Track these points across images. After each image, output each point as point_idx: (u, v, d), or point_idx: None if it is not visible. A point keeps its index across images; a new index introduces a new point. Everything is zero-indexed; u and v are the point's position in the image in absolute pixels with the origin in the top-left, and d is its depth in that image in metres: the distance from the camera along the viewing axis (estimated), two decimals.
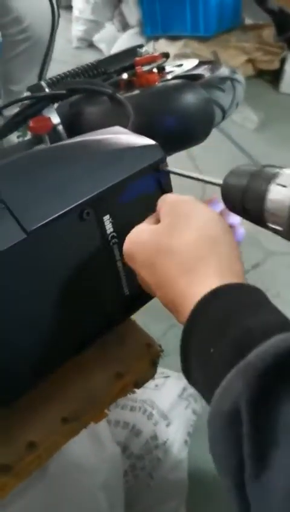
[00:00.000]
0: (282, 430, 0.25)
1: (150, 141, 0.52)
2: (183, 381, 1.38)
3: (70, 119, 0.75)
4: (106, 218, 0.49)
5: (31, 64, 1.52)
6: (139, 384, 0.65)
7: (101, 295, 0.54)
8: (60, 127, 0.74)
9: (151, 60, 0.75)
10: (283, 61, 2.89)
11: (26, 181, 0.46)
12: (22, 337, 0.48)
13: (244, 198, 0.39)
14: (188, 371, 0.35)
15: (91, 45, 3.33)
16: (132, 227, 0.53)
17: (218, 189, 0.45)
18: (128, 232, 0.52)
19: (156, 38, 2.98)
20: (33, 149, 0.50)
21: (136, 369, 0.62)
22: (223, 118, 0.76)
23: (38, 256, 0.45)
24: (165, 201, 0.44)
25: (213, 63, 0.84)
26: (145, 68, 0.73)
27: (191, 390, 1.39)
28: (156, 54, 0.77)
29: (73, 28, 3.27)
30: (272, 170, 0.39)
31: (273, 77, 2.95)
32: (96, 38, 3.23)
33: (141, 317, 0.63)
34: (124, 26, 3.13)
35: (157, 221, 0.43)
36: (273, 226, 0.38)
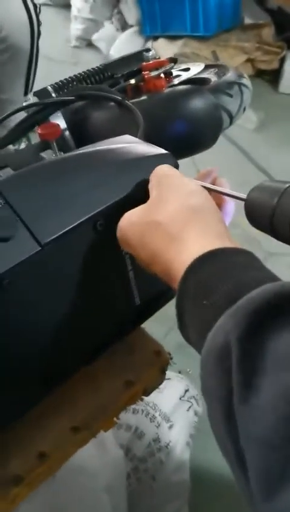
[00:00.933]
0: (270, 359, 0.26)
1: (162, 150, 0.52)
2: (184, 383, 1.38)
3: (77, 124, 0.74)
4: None
5: (17, 73, 1.53)
6: (148, 391, 0.65)
7: (113, 305, 0.54)
8: (67, 133, 0.74)
9: (158, 65, 0.75)
10: (282, 61, 2.89)
11: (39, 192, 0.45)
12: (34, 348, 0.48)
13: (274, 217, 0.39)
14: (183, 328, 0.37)
15: (90, 44, 3.32)
16: None
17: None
18: None
19: (155, 38, 2.97)
20: (45, 160, 0.49)
21: (145, 377, 0.62)
22: (231, 123, 0.75)
23: (52, 267, 0.45)
24: (154, 175, 0.46)
25: (220, 67, 0.83)
26: (153, 73, 0.72)
27: (193, 391, 1.39)
28: (164, 58, 0.76)
29: (71, 27, 3.25)
30: None
31: (273, 77, 2.95)
32: (95, 37, 3.21)
33: None
34: (123, 26, 3.12)
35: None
36: None
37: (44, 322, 0.47)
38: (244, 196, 0.43)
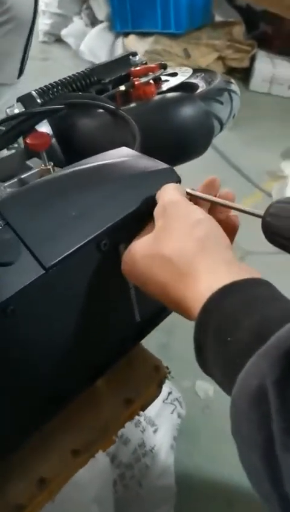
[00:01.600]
0: None
1: (164, 165, 0.50)
2: (168, 386, 1.38)
3: (64, 132, 0.72)
4: (122, 247, 0.47)
5: (16, 49, 1.45)
6: (145, 407, 0.64)
7: (115, 323, 0.52)
8: (54, 140, 0.71)
9: (148, 70, 0.73)
10: (253, 59, 2.92)
11: (41, 213, 0.43)
12: (39, 372, 0.46)
13: None
14: (203, 362, 0.36)
15: (59, 40, 3.26)
16: None
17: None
18: None
19: (126, 34, 2.94)
20: (43, 178, 0.47)
21: (145, 394, 0.61)
22: (221, 129, 0.75)
23: (56, 290, 0.43)
24: (160, 201, 0.44)
25: (207, 72, 0.82)
26: (143, 80, 0.70)
27: (176, 394, 1.39)
28: (153, 64, 0.74)
29: (39, 22, 3.18)
30: None
31: (244, 75, 2.97)
32: (64, 32, 3.16)
33: None
34: (93, 21, 3.07)
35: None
36: None
37: (48, 344, 0.45)
38: (261, 213, 0.43)
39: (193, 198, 0.47)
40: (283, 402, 0.26)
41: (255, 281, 0.36)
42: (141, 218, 0.48)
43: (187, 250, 0.39)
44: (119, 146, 0.54)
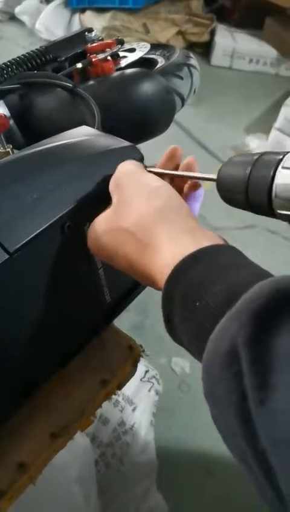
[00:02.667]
0: (281, 357, 0.26)
1: (125, 142, 0.49)
2: (144, 365, 1.39)
3: (22, 113, 0.70)
4: (86, 227, 0.47)
5: None
6: (121, 386, 0.65)
7: (84, 305, 0.52)
8: (12, 122, 0.69)
9: (104, 46, 0.71)
10: (212, 33, 2.90)
11: (1, 196, 0.42)
12: (8, 356, 0.46)
13: (249, 188, 0.38)
14: (171, 330, 0.36)
15: (13, 18, 3.14)
16: None
17: None
18: None
19: (82, 11, 2.86)
20: (0, 161, 0.45)
21: (120, 373, 0.61)
22: (183, 105, 0.74)
23: (21, 274, 0.42)
24: (113, 176, 0.44)
25: (165, 47, 0.81)
26: (100, 56, 0.69)
27: (153, 372, 1.41)
28: (110, 40, 0.72)
29: None
30: (274, 156, 0.37)
31: (205, 50, 2.95)
32: (17, 10, 3.05)
33: None
34: None
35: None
36: (285, 212, 0.37)
37: (18, 328, 0.45)
38: (214, 176, 0.42)
39: None
40: (254, 359, 0.26)
41: (219, 247, 0.35)
42: (104, 198, 0.47)
43: (147, 221, 0.38)
44: (79, 125, 0.53)
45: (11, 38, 3.07)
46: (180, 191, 0.48)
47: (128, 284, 0.58)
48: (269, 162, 0.37)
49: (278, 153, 0.37)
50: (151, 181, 0.41)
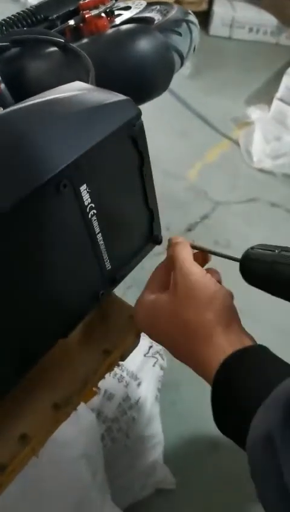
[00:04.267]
0: None
1: (121, 96, 0.46)
2: (148, 340, 1.38)
3: (13, 75, 0.66)
4: (83, 188, 0.44)
5: None
6: (124, 356, 0.63)
7: (84, 271, 0.50)
8: (2, 86, 0.66)
9: (97, 2, 0.67)
10: (211, 2, 2.81)
11: None
12: (8, 324, 0.43)
13: (272, 272, 0.45)
14: (219, 422, 0.43)
15: None
16: (109, 196, 0.48)
17: None
18: (105, 202, 0.47)
19: None
20: None
21: (122, 344, 0.59)
22: (182, 64, 0.70)
23: (14, 236, 0.40)
24: (179, 264, 0.49)
25: (162, 4, 0.77)
26: (94, 12, 0.65)
27: (157, 347, 1.40)
28: None
29: None
30: None
31: (203, 20, 2.86)
32: None
33: None
34: None
35: (162, 288, 0.51)
36: None
37: (12, 295, 0.42)
38: (238, 258, 0.50)
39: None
40: (286, 439, 0.32)
41: (257, 348, 0.44)
42: (101, 155, 0.44)
43: (207, 321, 0.45)
44: None
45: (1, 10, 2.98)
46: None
47: (129, 251, 0.55)
48: None
49: None
50: (213, 284, 0.48)
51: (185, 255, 0.50)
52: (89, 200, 0.45)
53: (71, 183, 0.42)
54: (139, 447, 1.31)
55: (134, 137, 0.47)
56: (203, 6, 2.81)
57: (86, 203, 0.45)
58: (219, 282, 0.51)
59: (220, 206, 2.01)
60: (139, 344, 1.38)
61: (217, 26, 2.82)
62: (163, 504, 1.32)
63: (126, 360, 1.42)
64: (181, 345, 0.47)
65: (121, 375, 1.28)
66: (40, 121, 0.42)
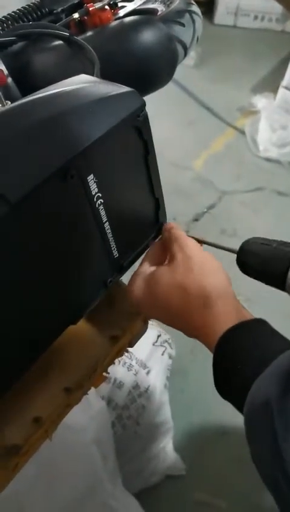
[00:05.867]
0: None
1: (125, 88, 0.48)
2: (156, 329, 1.40)
3: (20, 69, 0.67)
4: (90, 178, 0.45)
5: None
6: (133, 343, 0.65)
7: (92, 260, 0.51)
8: (10, 80, 0.67)
9: None
10: None
11: (1, 146, 0.40)
12: (16, 312, 0.45)
13: (267, 264, 0.48)
14: (219, 385, 0.45)
15: None
16: (116, 185, 0.50)
17: None
18: (112, 192, 0.49)
19: None
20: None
21: (130, 329, 0.61)
22: (185, 55, 0.71)
23: (24, 227, 0.41)
24: (176, 245, 0.52)
25: None
26: (98, 5, 0.66)
27: (166, 336, 1.42)
28: None
29: None
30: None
31: (207, 8, 2.84)
32: None
33: None
34: None
35: (159, 263, 0.54)
36: None
37: (26, 283, 0.44)
38: (236, 249, 0.52)
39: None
40: (281, 409, 0.36)
41: (257, 321, 0.46)
42: (107, 146, 0.46)
43: (207, 289, 0.48)
44: None
45: (16, 6, 2.98)
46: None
47: (136, 239, 0.57)
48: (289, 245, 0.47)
49: None
50: (209, 257, 0.51)
51: (181, 233, 0.53)
52: (96, 189, 0.47)
53: (78, 173, 0.44)
54: (150, 434, 1.33)
55: (139, 127, 0.48)
56: None
57: (93, 193, 0.47)
58: None
59: (227, 196, 2.01)
60: (147, 333, 1.40)
61: (221, 14, 2.81)
62: (173, 489, 1.35)
63: (135, 349, 1.44)
64: (180, 311, 0.49)
65: (131, 364, 1.30)
66: (47, 114, 0.43)
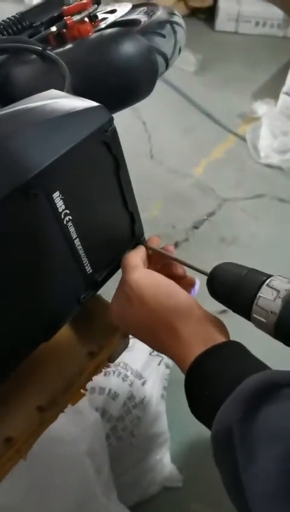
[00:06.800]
0: (261, 435, 0.35)
1: (93, 103, 0.47)
2: None
3: (0, 82, 0.67)
4: (56, 195, 0.45)
5: None
6: (113, 358, 0.63)
7: (63, 276, 0.50)
8: None
9: (80, 8, 0.68)
10: None
11: None
12: None
13: (235, 292, 0.47)
14: (192, 407, 0.45)
15: None
16: (85, 201, 0.49)
17: None
18: (81, 208, 0.48)
19: None
20: None
21: (108, 346, 0.60)
22: (167, 66, 0.70)
23: None
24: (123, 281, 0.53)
25: (149, 5, 0.77)
26: (76, 18, 0.65)
27: None
28: (86, 0, 0.69)
29: None
30: (262, 275, 0.46)
31: (208, 15, 2.84)
32: None
33: None
34: None
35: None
36: (258, 317, 0.45)
37: None
38: (207, 271, 0.51)
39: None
40: (242, 435, 0.36)
41: (225, 344, 0.46)
42: (73, 163, 0.45)
43: (164, 318, 0.48)
44: None
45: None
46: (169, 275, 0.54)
47: (110, 254, 0.56)
48: (258, 274, 0.46)
49: (264, 274, 0.47)
50: (164, 281, 0.51)
51: (127, 262, 0.53)
52: (63, 206, 0.46)
53: (42, 190, 0.43)
54: (145, 445, 1.31)
55: (107, 142, 0.48)
56: (209, 2, 2.79)
57: (60, 210, 0.46)
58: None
59: (227, 203, 2.00)
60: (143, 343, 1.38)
61: (222, 21, 2.80)
62: (170, 502, 1.33)
63: (130, 359, 1.42)
64: (153, 343, 0.51)
65: (126, 374, 1.29)
66: (8, 131, 0.43)
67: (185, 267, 0.56)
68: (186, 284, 0.56)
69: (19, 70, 0.64)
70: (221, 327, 0.49)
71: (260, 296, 0.45)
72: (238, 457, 0.35)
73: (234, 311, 0.48)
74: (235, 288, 0.47)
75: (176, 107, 2.41)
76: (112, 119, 0.47)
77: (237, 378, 0.40)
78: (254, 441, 0.35)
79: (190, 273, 0.57)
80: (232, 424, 0.37)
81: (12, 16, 0.71)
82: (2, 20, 0.70)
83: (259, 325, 0.45)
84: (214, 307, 0.52)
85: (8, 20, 0.70)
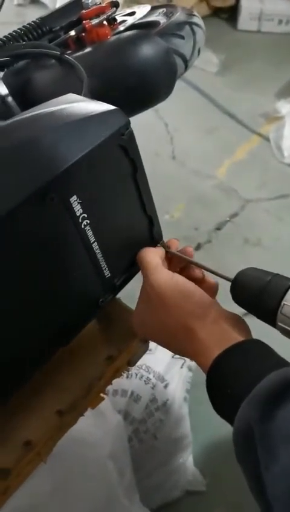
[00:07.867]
0: (280, 434, 0.35)
1: (109, 106, 0.47)
2: None
3: (20, 88, 0.68)
4: (73, 200, 0.45)
5: None
6: (132, 362, 0.63)
7: (82, 280, 0.50)
8: (10, 99, 0.67)
9: (99, 11, 0.68)
10: None
11: None
12: (4, 334, 0.45)
13: (259, 299, 0.45)
14: (214, 405, 0.45)
15: (34, 1, 3.12)
16: (103, 205, 0.49)
17: None
18: (99, 212, 0.48)
19: None
20: None
21: (127, 350, 0.60)
22: (186, 68, 0.70)
23: (5, 251, 0.41)
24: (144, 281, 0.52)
25: (167, 7, 0.76)
26: (95, 21, 0.65)
27: None
28: (104, 3, 0.69)
29: None
30: (286, 282, 0.45)
31: (230, 14, 2.82)
32: None
33: None
34: None
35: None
36: (283, 326, 0.44)
37: (13, 306, 0.44)
38: (231, 278, 0.50)
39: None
40: (262, 435, 0.36)
41: (245, 342, 0.45)
42: (90, 166, 0.45)
43: (181, 320, 0.48)
44: None
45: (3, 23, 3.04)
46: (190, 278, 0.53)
47: (129, 258, 0.56)
48: (283, 280, 0.45)
49: (289, 279, 0.45)
50: (184, 283, 0.50)
51: (148, 262, 0.52)
52: (81, 210, 0.46)
53: (60, 195, 0.43)
54: (168, 448, 1.31)
55: (124, 146, 0.47)
56: (231, 1, 2.77)
57: (77, 214, 0.46)
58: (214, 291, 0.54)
59: (250, 204, 1.98)
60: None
61: (245, 20, 2.77)
62: (193, 506, 1.32)
63: (153, 362, 1.42)
64: (172, 346, 0.51)
65: (148, 377, 1.29)
66: (26, 136, 0.43)
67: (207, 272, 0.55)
68: (207, 288, 0.55)
69: (39, 75, 0.65)
70: (241, 325, 0.48)
71: (284, 304, 0.43)
72: (259, 457, 0.35)
73: (258, 317, 0.47)
74: (259, 295, 0.46)
75: (199, 108, 2.39)
76: (128, 123, 0.47)
77: (257, 376, 0.40)
78: (274, 439, 0.35)
79: (211, 277, 0.56)
80: (252, 423, 0.37)
81: (32, 21, 0.72)
82: (23, 26, 0.71)
83: (285, 332, 0.45)
84: (237, 309, 0.51)
85: (28, 25, 0.71)
